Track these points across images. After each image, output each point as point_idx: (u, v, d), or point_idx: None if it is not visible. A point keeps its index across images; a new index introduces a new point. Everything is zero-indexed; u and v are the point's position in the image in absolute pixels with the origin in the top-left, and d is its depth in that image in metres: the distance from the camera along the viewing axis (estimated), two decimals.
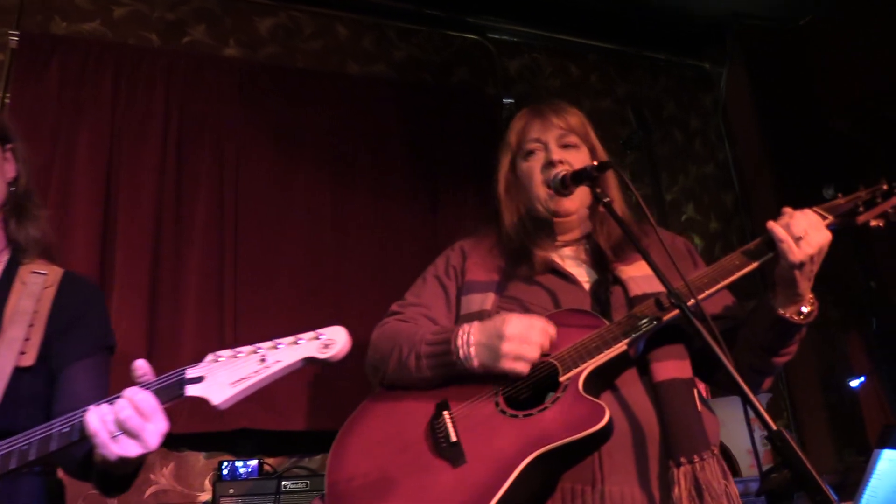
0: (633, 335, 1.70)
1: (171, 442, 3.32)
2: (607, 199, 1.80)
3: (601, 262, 1.99)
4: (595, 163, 1.88)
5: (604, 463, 1.67)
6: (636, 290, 1.87)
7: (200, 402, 2.92)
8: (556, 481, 1.66)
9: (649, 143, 4.40)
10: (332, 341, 1.36)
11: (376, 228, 3.86)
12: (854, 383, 4.08)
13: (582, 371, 1.67)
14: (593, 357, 1.69)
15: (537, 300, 1.91)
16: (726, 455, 1.90)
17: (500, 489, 1.53)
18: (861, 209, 1.88)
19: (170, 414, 3.21)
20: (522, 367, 1.70)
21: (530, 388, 1.73)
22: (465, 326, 1.80)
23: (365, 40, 4.34)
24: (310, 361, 1.35)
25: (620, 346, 1.69)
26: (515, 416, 1.67)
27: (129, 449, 1.32)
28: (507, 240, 2.06)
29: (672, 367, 1.78)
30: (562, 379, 1.68)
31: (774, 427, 1.39)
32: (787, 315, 1.74)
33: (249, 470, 3.20)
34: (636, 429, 1.70)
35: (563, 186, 1.92)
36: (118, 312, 3.21)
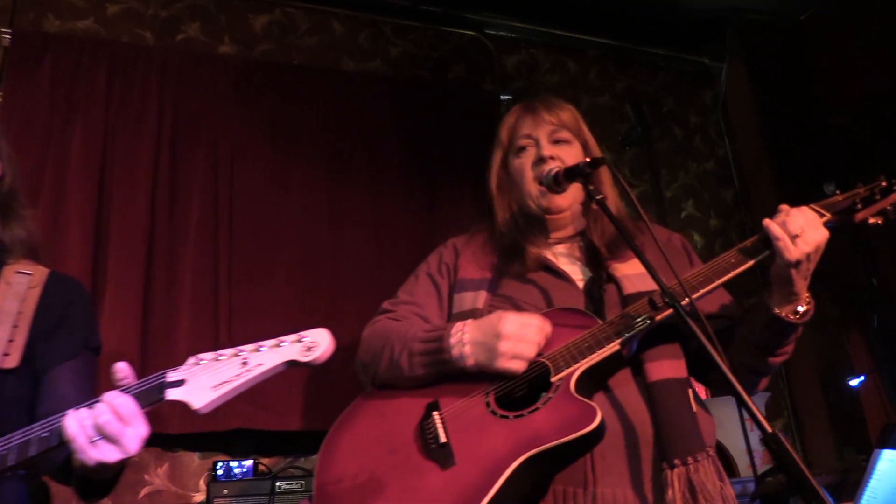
0: (626, 335, 1.67)
1: (166, 442, 3.30)
2: (600, 197, 1.77)
3: (595, 260, 1.96)
4: (587, 159, 1.84)
5: (596, 464, 1.64)
6: (630, 288, 1.84)
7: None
8: (547, 483, 1.63)
9: (648, 139, 4.37)
10: (315, 344, 1.33)
11: (372, 226, 3.84)
12: (854, 382, 4.04)
13: (574, 371, 1.65)
14: (585, 357, 1.66)
15: (530, 298, 1.88)
16: (723, 455, 1.87)
17: (489, 492, 1.50)
18: (859, 206, 1.85)
19: (164, 414, 3.20)
20: (519, 366, 1.68)
21: (522, 389, 1.70)
22: (459, 325, 1.77)
23: (361, 37, 4.31)
24: (292, 364, 1.32)
25: (613, 346, 1.66)
26: (506, 417, 1.64)
27: (108, 454, 1.29)
28: (500, 237, 2.03)
29: (666, 366, 1.75)
30: (553, 379, 1.66)
31: (770, 429, 1.36)
32: (783, 314, 1.71)
33: (244, 470, 3.18)
34: (629, 430, 1.68)
35: (556, 183, 1.89)
36: (112, 311, 3.19)
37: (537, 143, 2.02)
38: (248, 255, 3.54)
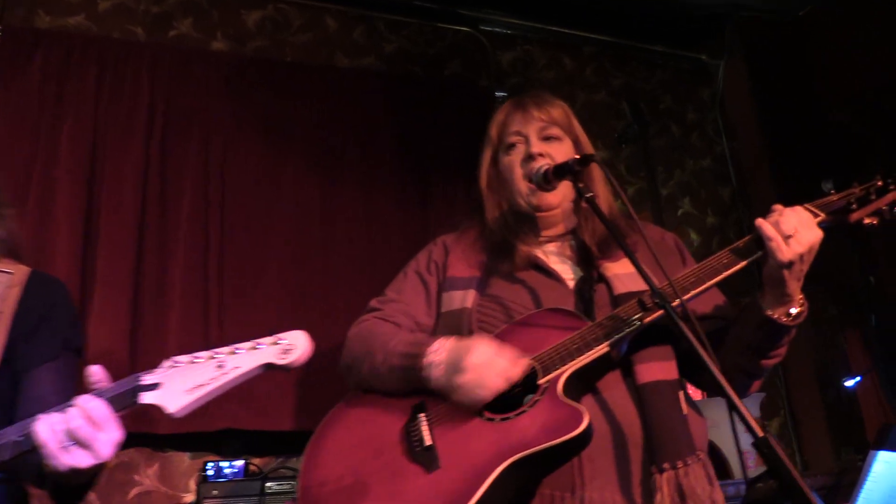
0: (615, 337, 1.63)
1: (156, 442, 3.28)
2: (590, 195, 1.73)
3: (586, 259, 1.92)
4: (577, 156, 1.81)
5: (584, 468, 1.61)
6: (621, 288, 1.81)
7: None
8: (534, 487, 1.60)
9: (645, 136, 4.34)
10: (292, 347, 1.30)
11: (365, 223, 3.81)
12: (849, 383, 4.01)
13: (561, 374, 1.61)
14: (574, 359, 1.63)
15: (518, 298, 1.85)
16: (716, 457, 1.84)
17: (473, 496, 1.47)
18: (854, 206, 1.81)
19: (153, 414, 3.16)
20: (481, 398, 1.61)
21: (508, 391, 1.67)
22: (441, 341, 1.72)
23: (355, 33, 4.28)
24: (269, 367, 1.29)
25: (602, 349, 1.63)
26: (492, 420, 1.61)
27: (79, 459, 1.26)
28: (490, 235, 2.00)
29: (657, 368, 1.72)
30: (541, 382, 1.62)
31: (761, 433, 1.33)
32: (776, 316, 1.68)
33: (235, 470, 3.16)
34: (618, 433, 1.64)
35: (546, 181, 1.85)
36: (101, 309, 3.17)
37: (527, 141, 1.98)
38: (240, 252, 3.51)
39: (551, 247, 1.99)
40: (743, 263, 1.71)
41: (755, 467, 2.66)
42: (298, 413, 3.37)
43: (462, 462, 1.56)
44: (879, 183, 1.83)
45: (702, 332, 1.47)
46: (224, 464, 3.17)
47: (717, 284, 1.75)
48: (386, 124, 4.03)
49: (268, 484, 3.05)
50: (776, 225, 1.65)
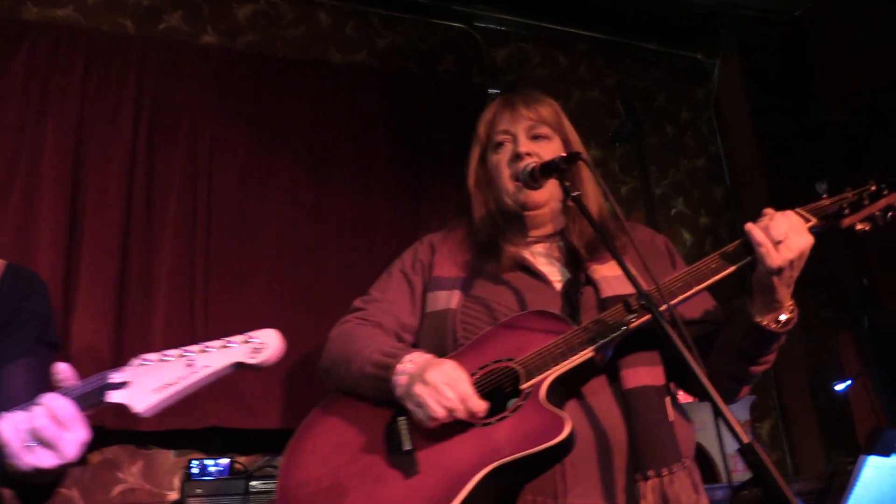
0: (600, 342, 1.60)
1: (140, 439, 3.25)
2: (576, 193, 1.70)
3: (574, 261, 1.90)
4: (563, 154, 1.78)
5: (567, 475, 1.58)
6: (608, 291, 1.78)
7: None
8: (516, 493, 1.57)
9: (639, 135, 4.31)
10: (264, 345, 1.28)
11: (356, 221, 3.77)
12: (840, 387, 3.99)
13: (544, 379, 1.58)
14: (557, 364, 1.60)
15: (503, 300, 1.82)
16: (704, 460, 1.82)
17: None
18: (847, 211, 1.78)
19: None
20: (423, 415, 1.57)
21: (491, 396, 1.64)
22: (410, 358, 1.68)
23: (348, 28, 4.24)
24: (240, 367, 1.27)
25: (586, 354, 1.60)
26: (473, 425, 1.58)
27: (43, 459, 1.23)
28: (476, 234, 1.97)
29: (643, 373, 1.69)
30: (523, 386, 1.60)
31: (746, 439, 1.31)
32: (765, 323, 1.65)
33: (220, 469, 3.13)
34: (603, 439, 1.62)
35: (533, 179, 1.82)
36: (85, 307, 3.12)
37: (515, 139, 1.95)
38: (227, 250, 3.47)
39: (539, 247, 1.96)
40: (731, 269, 1.68)
41: (743, 471, 2.64)
42: (285, 411, 3.34)
43: (441, 468, 1.53)
44: (873, 188, 1.80)
45: (689, 337, 1.44)
46: (209, 462, 3.14)
47: (707, 289, 1.72)
48: (378, 121, 3.99)
49: (252, 483, 3.02)
50: (766, 230, 1.61)
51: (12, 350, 1.67)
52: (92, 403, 1.27)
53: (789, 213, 1.68)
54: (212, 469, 3.11)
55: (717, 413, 1.37)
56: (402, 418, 1.65)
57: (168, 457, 3.32)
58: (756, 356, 1.71)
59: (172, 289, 3.30)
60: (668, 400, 1.71)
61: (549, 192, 1.91)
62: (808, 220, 1.70)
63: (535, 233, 1.97)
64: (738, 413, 3.62)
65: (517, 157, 1.91)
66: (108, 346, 3.11)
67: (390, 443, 1.62)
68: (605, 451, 1.61)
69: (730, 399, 1.83)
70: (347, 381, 1.78)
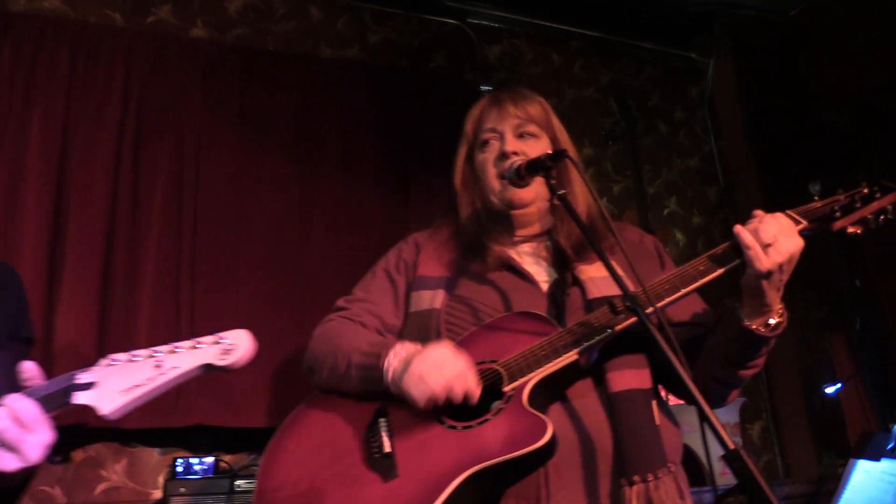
0: (585, 344, 1.57)
1: (124, 437, 3.21)
2: (562, 192, 1.67)
3: (562, 261, 1.86)
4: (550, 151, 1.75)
5: (550, 479, 1.55)
6: (595, 292, 1.75)
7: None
8: (497, 498, 1.54)
9: (632, 134, 4.28)
10: (233, 347, 1.25)
11: (345, 219, 3.72)
12: (830, 390, 3.97)
13: (527, 382, 1.55)
14: (541, 366, 1.57)
15: (488, 300, 1.79)
16: (692, 463, 1.79)
17: None
18: (838, 214, 1.75)
19: None
20: (420, 392, 1.53)
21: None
22: (402, 344, 1.67)
23: (339, 23, 4.19)
24: (209, 368, 1.24)
25: (570, 356, 1.57)
26: (454, 428, 1.55)
27: (5, 463, 1.20)
28: (462, 233, 1.94)
29: (629, 376, 1.66)
30: (506, 389, 1.56)
31: (732, 445, 1.28)
32: (753, 327, 1.62)
33: (205, 467, 3.09)
34: (587, 443, 1.59)
35: (518, 177, 1.79)
36: (69, 303, 3.08)
37: (502, 138, 1.93)
38: (214, 248, 3.42)
39: (526, 247, 1.93)
40: (720, 271, 1.65)
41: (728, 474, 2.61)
42: (271, 410, 3.30)
43: (421, 471, 1.50)
44: (865, 190, 1.78)
45: (675, 340, 1.41)
46: (194, 460, 3.10)
47: (697, 291, 1.69)
48: (369, 117, 3.95)
49: (237, 482, 2.98)
50: (755, 232, 1.58)
51: None
52: (58, 405, 1.23)
53: (779, 215, 1.65)
54: (196, 468, 3.08)
55: (703, 418, 1.34)
56: (382, 420, 1.62)
57: (153, 455, 3.28)
58: (745, 360, 1.68)
59: (158, 287, 3.26)
60: (654, 403, 1.68)
61: (536, 190, 1.88)
62: (798, 223, 1.67)
63: (521, 232, 1.94)
64: (727, 415, 3.59)
65: (504, 155, 1.89)
66: (92, 344, 3.06)
67: (370, 445, 1.59)
68: (589, 456, 1.58)
69: (719, 403, 1.81)
70: (332, 377, 1.75)
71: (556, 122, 2.03)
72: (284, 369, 3.29)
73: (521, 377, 1.57)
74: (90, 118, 3.34)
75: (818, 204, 1.76)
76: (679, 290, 1.63)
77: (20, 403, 1.21)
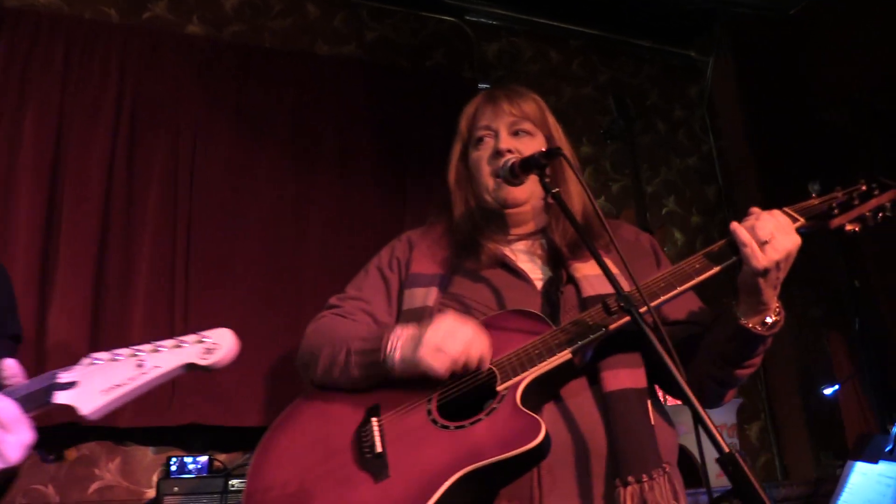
0: (579, 343, 1.55)
1: (118, 435, 3.19)
2: (556, 190, 1.65)
3: (557, 259, 1.84)
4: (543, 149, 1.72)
5: (543, 480, 1.52)
6: (589, 290, 1.73)
7: (148, 393, 2.76)
8: (489, 499, 1.52)
9: (631, 132, 4.26)
10: (216, 346, 1.22)
11: (341, 218, 3.71)
12: (828, 391, 3.95)
13: (521, 381, 1.53)
14: (535, 365, 1.55)
15: (481, 298, 1.77)
16: (688, 464, 1.76)
17: None
18: (836, 211, 1.72)
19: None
20: (441, 362, 1.53)
21: (467, 396, 1.58)
22: (403, 326, 1.66)
23: (336, 19, 4.18)
24: (191, 368, 1.22)
25: (564, 355, 1.55)
26: (446, 428, 1.52)
27: None
28: (456, 231, 1.92)
29: (624, 376, 1.63)
30: (499, 388, 1.54)
31: (727, 449, 1.26)
32: (750, 325, 1.59)
33: (199, 466, 3.08)
34: (581, 443, 1.56)
35: (513, 175, 1.77)
36: (61, 301, 3.07)
37: (496, 136, 1.91)
38: (209, 246, 3.41)
39: (521, 245, 1.92)
40: (716, 269, 1.63)
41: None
42: (266, 409, 3.28)
43: (412, 472, 1.48)
44: (863, 187, 1.75)
45: (668, 339, 1.39)
46: (188, 459, 3.08)
47: (693, 289, 1.67)
48: (366, 115, 3.93)
49: (231, 481, 2.96)
50: (751, 230, 1.56)
51: None
52: (38, 404, 1.21)
53: (776, 212, 1.63)
54: (191, 467, 3.06)
55: (697, 420, 1.32)
56: (374, 419, 1.60)
57: (147, 454, 3.27)
58: (741, 359, 1.66)
59: (152, 285, 3.24)
60: (650, 403, 1.66)
61: (530, 189, 1.86)
62: (795, 220, 1.64)
63: (516, 231, 1.92)
64: (725, 416, 3.57)
65: (498, 153, 1.87)
66: (85, 342, 3.04)
67: (361, 445, 1.57)
68: (583, 456, 1.56)
69: (715, 403, 1.79)
70: (330, 369, 1.72)
71: (551, 119, 2.00)
72: (280, 368, 3.27)
73: (515, 376, 1.55)
74: (85, 115, 3.32)
75: (816, 201, 1.73)
76: (675, 288, 1.61)
77: (0, 404, 1.19)
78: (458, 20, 4.46)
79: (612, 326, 1.55)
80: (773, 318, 1.61)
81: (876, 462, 2.44)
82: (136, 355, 1.22)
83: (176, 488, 2.91)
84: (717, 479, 2.83)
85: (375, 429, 1.58)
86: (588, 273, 1.77)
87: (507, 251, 1.86)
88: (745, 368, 1.69)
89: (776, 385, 4.38)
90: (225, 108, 3.63)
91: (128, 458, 3.22)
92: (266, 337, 3.30)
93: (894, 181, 1.73)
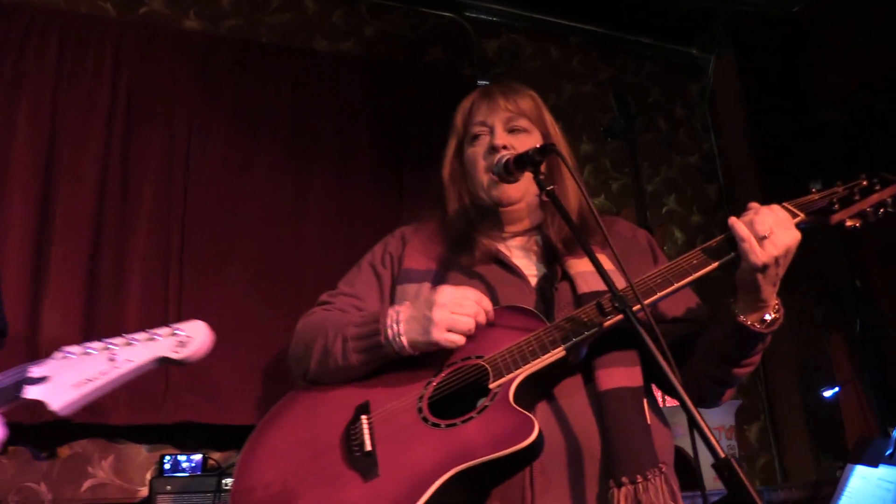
0: (573, 340, 1.52)
1: (111, 433, 3.17)
2: (550, 187, 1.61)
3: (552, 256, 1.81)
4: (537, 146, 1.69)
5: (535, 481, 1.49)
6: (584, 287, 1.70)
7: (142, 390, 2.72)
8: (481, 499, 1.49)
9: (631, 130, 4.23)
10: (189, 339, 1.20)
11: (338, 215, 3.69)
12: (828, 393, 3.91)
13: (514, 378, 1.50)
14: (528, 363, 1.51)
15: None
16: (684, 466, 1.73)
17: None
18: (836, 207, 1.68)
19: (106, 405, 3.04)
20: (455, 338, 1.55)
21: (459, 393, 1.55)
22: (396, 306, 1.64)
23: (334, 15, 4.15)
24: (164, 361, 1.19)
25: (557, 353, 1.51)
26: (437, 426, 1.49)
27: None
28: (449, 228, 1.89)
29: (619, 374, 1.60)
30: (492, 385, 1.51)
31: (722, 454, 1.22)
32: (749, 323, 1.56)
33: (193, 465, 3.06)
34: (574, 443, 1.53)
35: (507, 172, 1.74)
36: (54, 298, 3.04)
37: (492, 132, 1.88)
38: (205, 243, 3.38)
39: (516, 242, 1.89)
40: (714, 265, 1.59)
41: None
42: (261, 407, 3.25)
43: (402, 471, 1.44)
44: (864, 183, 1.71)
45: (663, 339, 1.36)
46: (182, 457, 3.06)
47: (691, 286, 1.63)
48: (364, 111, 3.91)
49: (225, 480, 2.93)
50: (750, 224, 1.53)
51: None
52: (8, 399, 1.19)
53: (776, 207, 1.59)
54: (184, 465, 3.04)
55: (693, 424, 1.28)
56: (364, 417, 1.57)
57: (140, 451, 3.24)
58: (740, 358, 1.62)
59: (145, 281, 3.22)
60: (645, 402, 1.62)
61: (525, 186, 1.83)
62: (795, 216, 1.61)
63: (511, 228, 1.90)
64: (723, 418, 3.54)
65: (493, 149, 1.84)
66: (78, 339, 2.97)
67: (350, 443, 1.54)
68: (576, 456, 1.53)
69: (713, 402, 1.76)
70: (324, 361, 1.69)
71: (548, 116, 1.97)
72: (275, 366, 3.25)
73: (508, 374, 1.51)
74: (79, 110, 3.30)
75: (816, 196, 1.70)
76: (672, 285, 1.57)
77: None
78: (458, 16, 4.43)
79: (607, 324, 1.52)
80: (773, 316, 1.58)
81: (876, 466, 2.41)
82: (108, 349, 1.20)
83: (168, 487, 2.89)
84: (714, 482, 2.79)
85: (365, 427, 1.55)
86: (583, 269, 1.74)
87: (501, 247, 1.84)
88: (744, 367, 1.66)
89: (776, 385, 4.34)
90: (221, 104, 3.61)
91: (121, 455, 3.20)
92: (263, 335, 3.28)
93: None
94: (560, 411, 1.56)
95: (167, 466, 3.04)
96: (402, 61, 4.22)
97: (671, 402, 1.77)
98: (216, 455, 3.23)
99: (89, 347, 1.22)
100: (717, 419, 3.45)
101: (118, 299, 3.15)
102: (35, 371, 1.20)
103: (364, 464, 1.49)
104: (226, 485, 2.91)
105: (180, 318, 3.16)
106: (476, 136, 1.91)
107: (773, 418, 4.36)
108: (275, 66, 3.79)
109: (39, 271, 3.05)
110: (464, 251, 1.83)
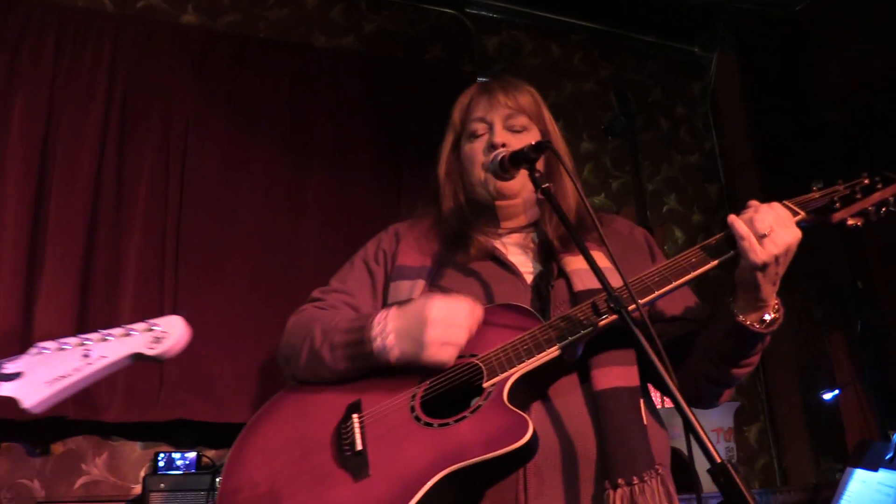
0: (568, 339, 1.49)
1: (105, 430, 3.15)
2: (546, 185, 1.59)
3: (549, 253, 1.79)
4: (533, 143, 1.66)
5: (529, 483, 1.47)
6: (580, 284, 1.67)
7: (136, 387, 2.67)
8: (474, 500, 1.46)
9: (632, 129, 4.20)
10: (165, 335, 1.18)
11: (337, 212, 3.66)
12: (828, 396, 3.88)
13: (508, 378, 1.47)
14: (522, 362, 1.49)
15: (470, 291, 1.70)
16: (682, 468, 1.70)
17: None
18: (838, 205, 1.66)
19: (101, 401, 3.02)
20: (449, 355, 1.51)
21: (452, 392, 1.52)
22: (382, 313, 1.60)
23: (334, 10, 4.12)
24: (139, 358, 1.16)
25: (552, 352, 1.49)
26: (430, 426, 1.46)
27: None
28: (445, 224, 1.87)
29: (615, 374, 1.57)
30: (485, 385, 1.48)
31: (718, 459, 1.19)
32: (748, 322, 1.53)
33: (187, 462, 3.04)
34: (569, 444, 1.50)
35: (503, 170, 1.71)
36: (48, 295, 3.02)
37: (491, 129, 1.85)
38: (201, 240, 3.36)
39: (512, 239, 1.86)
40: (713, 263, 1.57)
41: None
42: (255, 405, 3.19)
43: (393, 471, 1.42)
44: (866, 181, 1.69)
45: (658, 340, 1.33)
46: (176, 455, 3.04)
47: (689, 285, 1.61)
48: (363, 108, 3.88)
49: (219, 478, 2.90)
50: (750, 222, 1.50)
51: None
52: None
53: (776, 204, 1.57)
54: (178, 463, 3.02)
55: (689, 428, 1.25)
56: (355, 415, 1.54)
57: (134, 449, 3.22)
58: (738, 358, 1.60)
59: (141, 278, 3.20)
60: (642, 402, 1.60)
61: (522, 182, 1.80)
62: (796, 214, 1.58)
63: (507, 224, 1.87)
64: (722, 419, 3.51)
65: (492, 147, 1.81)
66: (71, 334, 2.98)
67: (341, 442, 1.51)
68: (571, 457, 1.50)
69: (711, 403, 1.73)
70: (310, 362, 1.67)
71: (546, 113, 1.95)
72: (270, 363, 3.22)
73: (502, 373, 1.49)
74: (75, 105, 3.27)
75: (817, 194, 1.68)
76: (669, 283, 1.55)
77: None
78: (458, 13, 4.40)
79: (603, 323, 1.49)
80: (772, 316, 1.55)
81: (876, 470, 2.38)
82: (83, 344, 1.18)
83: (162, 484, 2.87)
84: (713, 484, 2.76)
85: (356, 426, 1.52)
86: (579, 267, 1.71)
87: (497, 244, 1.81)
88: (743, 367, 1.63)
89: (776, 385, 4.32)
90: (219, 99, 3.58)
91: (115, 453, 3.18)
92: (260, 333, 3.26)
93: None
94: (555, 411, 1.53)
95: (161, 464, 3.02)
96: (402, 58, 4.20)
97: (669, 402, 1.75)
98: (210, 453, 3.22)
99: (64, 343, 1.19)
100: (716, 420, 3.43)
101: (113, 297, 3.13)
102: (8, 367, 1.18)
103: (355, 463, 1.46)
104: (220, 483, 2.88)
105: (175, 315, 3.16)
106: (474, 132, 1.88)
107: (772, 419, 4.34)
108: (273, 62, 3.77)
109: (34, 268, 3.03)
110: (459, 248, 1.80)
